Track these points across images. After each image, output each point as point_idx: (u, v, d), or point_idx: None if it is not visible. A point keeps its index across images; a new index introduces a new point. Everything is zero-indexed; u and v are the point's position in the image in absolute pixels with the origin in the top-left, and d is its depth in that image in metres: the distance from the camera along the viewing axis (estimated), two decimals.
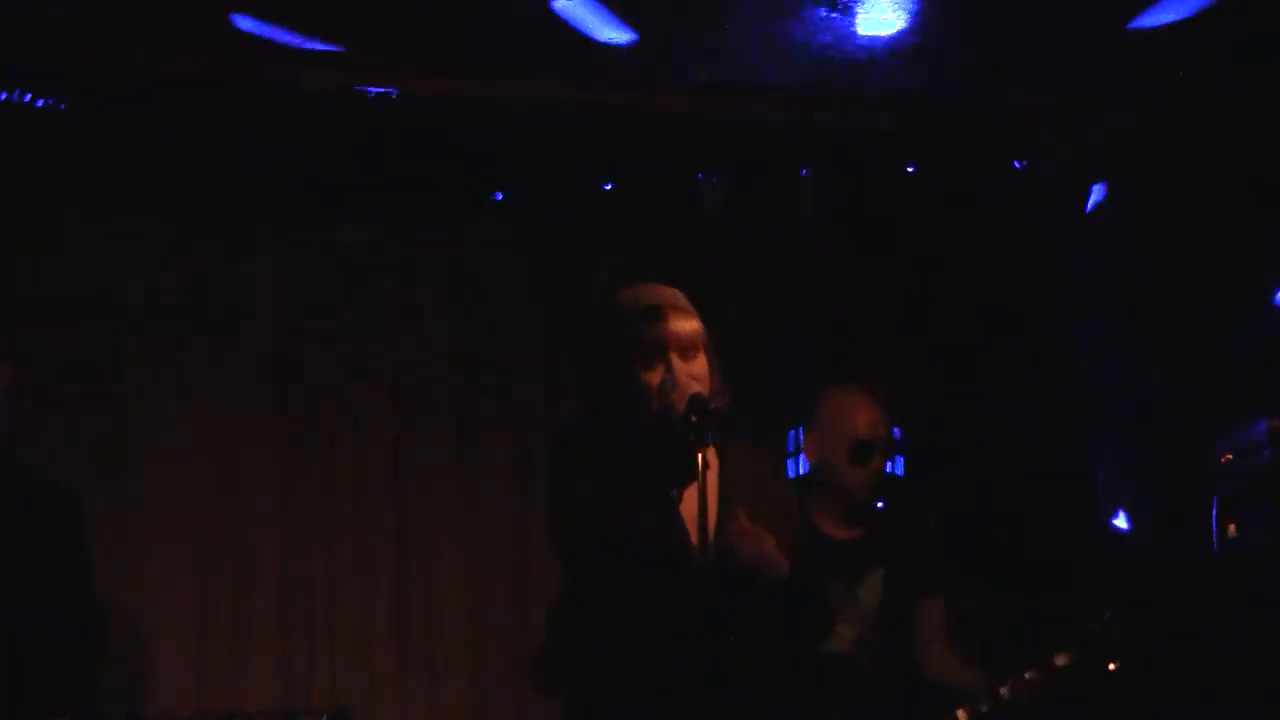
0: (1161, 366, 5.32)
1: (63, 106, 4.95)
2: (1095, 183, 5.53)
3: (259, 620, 5.80)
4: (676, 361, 3.28)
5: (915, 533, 4.48)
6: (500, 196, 5.80)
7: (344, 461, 5.93)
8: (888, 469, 4.46)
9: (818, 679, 4.13)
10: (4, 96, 4.89)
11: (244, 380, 5.87)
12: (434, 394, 6.04)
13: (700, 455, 3.15)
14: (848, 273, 6.20)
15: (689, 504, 3.23)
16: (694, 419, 3.18)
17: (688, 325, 3.34)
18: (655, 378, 3.27)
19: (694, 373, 3.30)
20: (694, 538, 3.16)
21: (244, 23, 4.81)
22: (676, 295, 3.40)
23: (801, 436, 4.52)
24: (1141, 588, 5.09)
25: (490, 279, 6.06)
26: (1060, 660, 4.07)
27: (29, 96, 4.91)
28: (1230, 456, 4.71)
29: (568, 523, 3.30)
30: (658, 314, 3.32)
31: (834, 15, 4.78)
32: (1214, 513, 4.72)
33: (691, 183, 5.61)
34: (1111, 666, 4.03)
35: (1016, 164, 5.55)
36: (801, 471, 4.63)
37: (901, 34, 4.92)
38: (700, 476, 3.13)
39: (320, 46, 4.98)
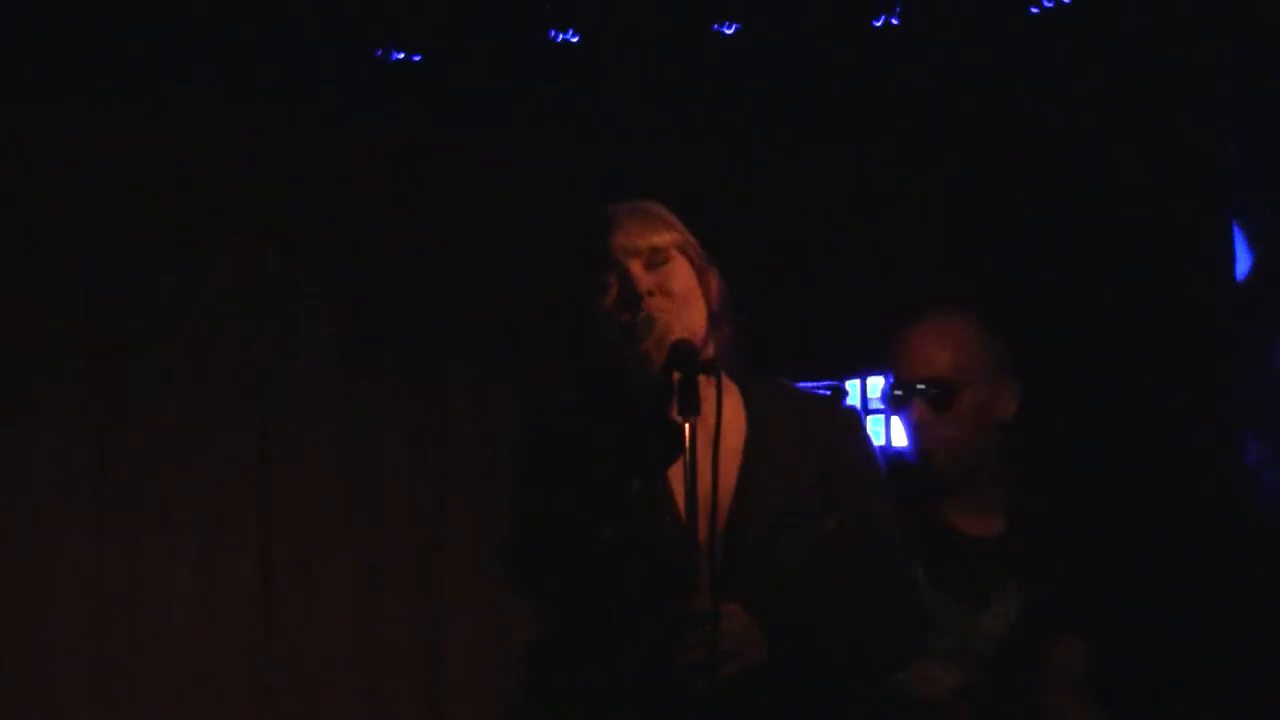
0: None
1: None
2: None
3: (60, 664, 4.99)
4: (638, 270, 2.99)
5: (1055, 537, 3.89)
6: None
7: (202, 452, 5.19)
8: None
9: None
10: None
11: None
12: (313, 360, 5.33)
13: (687, 427, 2.77)
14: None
15: (702, 482, 2.83)
16: (676, 376, 2.81)
17: (645, 233, 3.04)
18: (612, 298, 3.00)
19: (666, 286, 2.99)
20: (702, 532, 2.81)
21: None
22: (641, 206, 3.10)
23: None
24: None
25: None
26: None
27: None
28: None
29: (535, 531, 3.03)
30: (605, 223, 3.07)
31: None
32: None
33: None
34: None
35: None
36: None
37: None
38: (689, 450, 2.76)
39: None
